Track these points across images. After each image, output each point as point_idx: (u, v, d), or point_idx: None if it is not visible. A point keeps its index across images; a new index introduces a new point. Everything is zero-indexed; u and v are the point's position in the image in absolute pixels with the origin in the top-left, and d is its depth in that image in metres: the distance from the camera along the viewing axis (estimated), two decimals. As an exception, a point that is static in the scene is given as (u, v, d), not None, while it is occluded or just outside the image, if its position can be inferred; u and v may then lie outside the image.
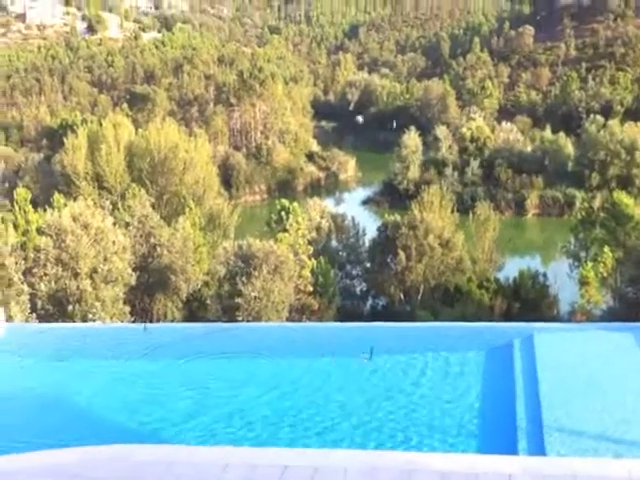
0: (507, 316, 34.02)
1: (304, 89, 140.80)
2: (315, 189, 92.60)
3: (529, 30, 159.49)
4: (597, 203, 44.08)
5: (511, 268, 44.82)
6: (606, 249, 37.06)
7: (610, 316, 34.31)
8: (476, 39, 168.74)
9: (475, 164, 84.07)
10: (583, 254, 41.73)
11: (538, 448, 9.71)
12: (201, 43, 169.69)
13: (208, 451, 8.92)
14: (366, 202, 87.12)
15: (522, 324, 16.43)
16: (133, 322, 31.78)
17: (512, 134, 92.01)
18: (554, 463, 8.25)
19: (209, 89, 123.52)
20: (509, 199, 78.97)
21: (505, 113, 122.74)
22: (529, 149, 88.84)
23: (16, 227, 35.76)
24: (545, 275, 39.33)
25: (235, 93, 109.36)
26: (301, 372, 14.19)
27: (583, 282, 35.90)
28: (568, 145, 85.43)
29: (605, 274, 36.30)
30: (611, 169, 79.69)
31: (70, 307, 31.39)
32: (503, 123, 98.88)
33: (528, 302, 36.05)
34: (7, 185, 63.00)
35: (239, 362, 14.68)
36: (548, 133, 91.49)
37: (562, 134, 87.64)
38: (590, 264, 37.07)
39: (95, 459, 8.47)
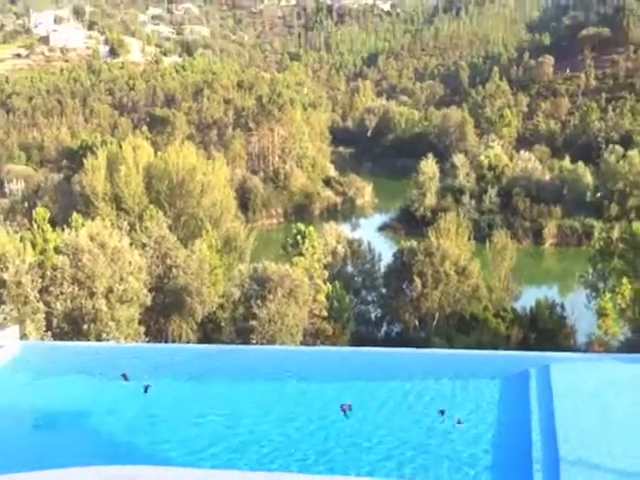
0: (523, 346, 33.68)
1: (322, 115, 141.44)
2: (332, 214, 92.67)
3: (549, 60, 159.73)
4: (616, 234, 43.75)
5: (528, 298, 44.47)
6: (624, 280, 36.72)
7: (628, 348, 33.90)
8: (495, 68, 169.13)
9: (493, 192, 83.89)
10: (601, 285, 41.39)
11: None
12: (221, 68, 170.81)
13: (213, 475, 8.79)
14: (382, 228, 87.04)
15: (538, 353, 16.24)
16: (148, 342, 31.77)
17: (530, 163, 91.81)
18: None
19: (228, 113, 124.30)
20: (527, 228, 78.61)
21: (524, 142, 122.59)
22: (547, 178, 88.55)
23: (34, 246, 35.95)
24: (562, 306, 38.99)
25: (254, 118, 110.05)
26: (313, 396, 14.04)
27: (601, 313, 35.57)
28: (587, 175, 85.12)
29: (623, 305, 35.96)
30: (630, 200, 79.26)
31: (85, 326, 31.47)
32: (521, 152, 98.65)
33: (545, 332, 35.74)
34: (26, 204, 63.41)
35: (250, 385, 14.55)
36: (567, 162, 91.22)
37: (581, 164, 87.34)
38: (608, 295, 36.76)
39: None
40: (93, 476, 8.64)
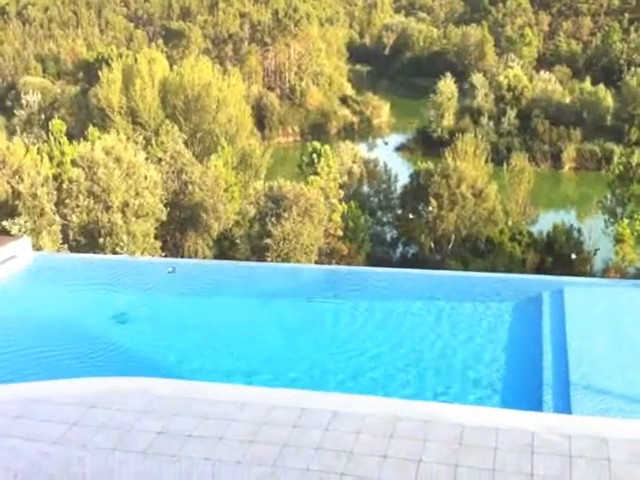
0: (539, 270, 33.55)
1: (339, 31, 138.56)
2: (348, 133, 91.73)
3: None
4: (636, 159, 43.00)
5: (545, 222, 44.20)
6: (643, 206, 36.38)
7: (644, 275, 33.81)
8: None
9: (512, 114, 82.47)
10: (619, 210, 40.99)
11: (564, 405, 9.46)
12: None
13: (228, 389, 8.83)
14: (399, 148, 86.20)
15: (553, 277, 16.10)
16: (164, 257, 31.92)
17: (550, 84, 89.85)
18: (580, 422, 8.00)
19: (244, 27, 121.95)
20: (545, 151, 77.48)
21: (544, 62, 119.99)
22: (567, 100, 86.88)
23: (51, 158, 35.83)
24: (580, 230, 38.72)
25: (270, 32, 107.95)
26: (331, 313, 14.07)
27: (618, 239, 35.31)
28: (608, 98, 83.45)
29: (641, 232, 35.66)
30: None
31: (101, 239, 31.59)
32: (541, 72, 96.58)
33: (561, 257, 35.54)
34: (43, 117, 62.95)
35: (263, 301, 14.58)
36: (588, 84, 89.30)
37: (602, 86, 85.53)
38: (626, 221, 36.42)
39: (115, 391, 8.46)
40: (100, 386, 8.68)
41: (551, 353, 11.25)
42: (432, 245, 42.44)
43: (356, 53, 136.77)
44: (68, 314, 13.81)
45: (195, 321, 13.70)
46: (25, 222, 30.30)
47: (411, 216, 42.03)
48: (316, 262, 35.25)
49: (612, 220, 40.70)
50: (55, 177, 33.93)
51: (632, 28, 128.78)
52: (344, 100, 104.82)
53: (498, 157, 59.31)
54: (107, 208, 32.44)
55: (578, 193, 72.33)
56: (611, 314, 12.47)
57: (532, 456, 6.86)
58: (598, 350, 11.11)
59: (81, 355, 12.14)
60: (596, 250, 37.99)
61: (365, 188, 48.38)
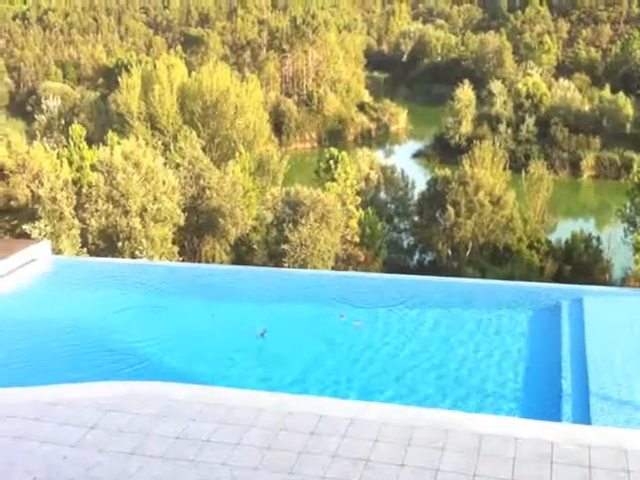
0: (557, 279, 33.40)
1: (357, 38, 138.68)
2: (365, 140, 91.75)
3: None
4: (656, 167, 42.80)
5: (563, 230, 43.97)
6: (663, 214, 36.14)
7: (664, 284, 33.55)
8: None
9: (530, 121, 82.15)
10: (639, 219, 40.72)
11: (583, 415, 9.36)
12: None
13: (245, 395, 8.83)
14: (416, 155, 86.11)
15: (571, 286, 15.88)
16: (182, 261, 32.05)
17: (570, 92, 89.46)
18: (600, 433, 7.93)
19: (262, 34, 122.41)
20: (564, 159, 77.09)
21: (563, 70, 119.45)
22: (587, 108, 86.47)
23: (70, 163, 36.13)
24: (599, 239, 38.49)
25: (288, 39, 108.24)
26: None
27: (638, 248, 35.09)
28: (627, 106, 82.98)
29: (661, 240, 35.43)
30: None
31: (120, 244, 31.78)
32: (560, 80, 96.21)
33: (580, 266, 35.37)
34: (63, 121, 63.47)
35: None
36: (607, 92, 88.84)
37: (621, 94, 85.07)
38: (646, 229, 36.22)
39: (132, 395, 8.48)
40: (116, 390, 8.73)
41: (570, 362, 11.12)
42: (449, 252, 42.33)
43: (374, 60, 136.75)
44: (87, 318, 13.87)
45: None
46: (45, 226, 30.56)
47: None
48: (333, 268, 35.25)
49: (632, 229, 40.44)
50: (74, 181, 34.22)
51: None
52: (361, 107, 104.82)
53: (516, 165, 59.15)
54: (126, 212, 32.65)
55: (597, 201, 71.86)
56: (631, 323, 12.32)
57: (551, 466, 6.81)
58: (618, 360, 10.98)
59: (98, 359, 12.19)
60: None
61: (382, 195, 48.36)
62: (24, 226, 30.08)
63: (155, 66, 61.21)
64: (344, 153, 45.43)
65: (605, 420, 9.11)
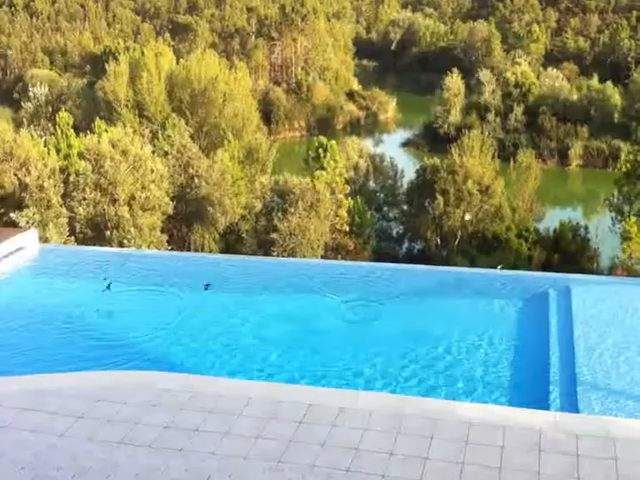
0: (546, 268, 33.54)
1: (346, 26, 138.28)
2: (354, 128, 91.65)
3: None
4: (643, 156, 42.87)
5: (552, 219, 44.10)
6: (651, 203, 36.31)
7: (651, 272, 33.71)
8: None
9: (519, 110, 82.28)
10: (627, 208, 40.91)
11: (571, 404, 9.39)
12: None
13: (234, 384, 8.83)
14: (405, 144, 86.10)
15: (559, 275, 15.87)
16: (170, 250, 31.97)
17: (558, 81, 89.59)
18: (588, 421, 7.98)
19: (251, 22, 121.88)
20: (552, 148, 77.35)
21: (551, 59, 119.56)
22: (575, 97, 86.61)
23: (58, 151, 35.88)
24: (586, 228, 38.65)
25: (276, 27, 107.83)
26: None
27: (625, 237, 35.21)
28: (615, 95, 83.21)
29: (649, 229, 35.54)
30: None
31: (108, 232, 31.65)
32: (549, 69, 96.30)
33: (568, 255, 35.51)
34: (50, 109, 62.99)
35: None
36: (595, 82, 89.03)
37: (609, 83, 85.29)
38: (633, 218, 36.31)
39: (120, 384, 8.47)
40: (104, 379, 8.71)
41: (558, 351, 11.16)
42: (438, 241, 42.40)
43: (363, 48, 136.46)
44: (73, 307, 13.81)
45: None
46: (32, 214, 30.38)
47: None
48: (322, 257, 35.25)
49: (619, 218, 40.62)
50: (62, 170, 33.97)
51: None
52: (350, 95, 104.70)
53: (505, 154, 59.28)
54: (114, 201, 32.51)
55: (585, 190, 72.14)
56: (618, 312, 12.37)
57: (539, 454, 6.84)
58: (606, 348, 11.01)
59: (85, 348, 12.14)
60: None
61: (371, 183, 48.34)
62: (11, 214, 29.88)
63: (143, 53, 60.78)
64: (333, 142, 45.36)
65: (593, 408, 9.14)
